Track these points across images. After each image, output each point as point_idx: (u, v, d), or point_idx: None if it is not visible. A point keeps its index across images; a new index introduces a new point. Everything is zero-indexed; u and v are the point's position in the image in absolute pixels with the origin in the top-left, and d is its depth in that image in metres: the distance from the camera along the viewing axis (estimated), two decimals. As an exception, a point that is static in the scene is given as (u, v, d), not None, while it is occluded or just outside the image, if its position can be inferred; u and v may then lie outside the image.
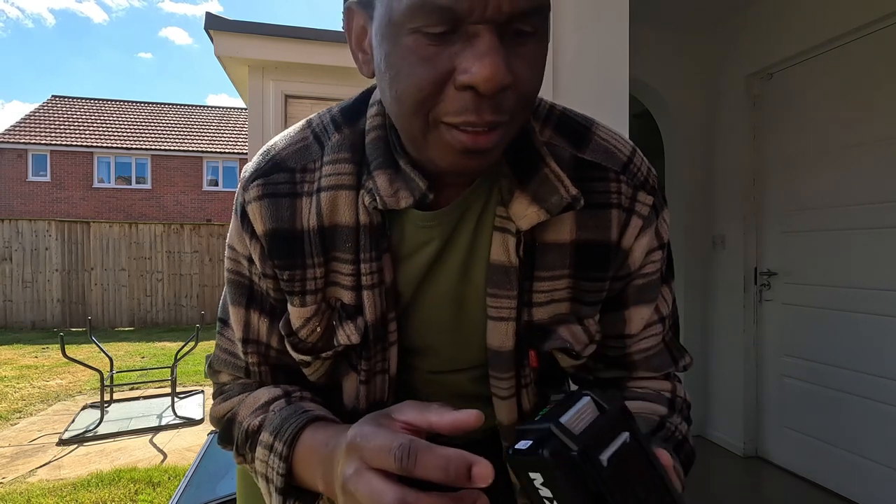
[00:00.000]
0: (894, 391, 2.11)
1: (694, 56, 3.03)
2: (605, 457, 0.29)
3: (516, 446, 0.31)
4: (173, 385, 3.81)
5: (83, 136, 15.30)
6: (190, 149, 15.72)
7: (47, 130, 15.19)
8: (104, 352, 3.76)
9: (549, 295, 0.51)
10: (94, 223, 8.62)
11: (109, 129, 15.90)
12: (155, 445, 3.25)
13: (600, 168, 0.50)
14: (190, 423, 3.65)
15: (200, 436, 3.37)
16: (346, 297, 0.49)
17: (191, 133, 16.70)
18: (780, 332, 2.66)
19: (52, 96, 17.16)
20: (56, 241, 8.33)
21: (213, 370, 0.59)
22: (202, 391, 4.42)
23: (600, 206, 0.50)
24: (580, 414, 0.31)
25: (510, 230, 0.48)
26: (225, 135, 16.94)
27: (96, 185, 15.00)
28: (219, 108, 19.03)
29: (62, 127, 15.57)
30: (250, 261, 0.52)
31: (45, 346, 6.62)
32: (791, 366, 2.59)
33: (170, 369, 3.86)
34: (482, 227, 0.50)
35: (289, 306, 0.51)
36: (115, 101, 17.87)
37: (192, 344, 3.95)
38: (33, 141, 14.59)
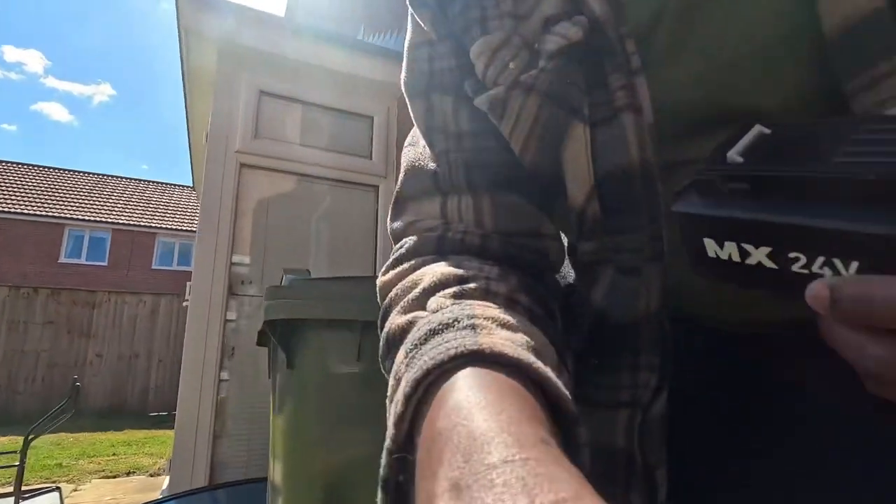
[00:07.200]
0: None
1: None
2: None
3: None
4: (19, 479, 2.75)
5: None
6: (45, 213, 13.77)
7: None
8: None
9: None
10: None
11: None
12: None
13: None
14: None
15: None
16: (548, 5, 0.36)
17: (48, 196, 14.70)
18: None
19: None
20: None
21: (398, 209, 0.45)
22: (58, 489, 3.26)
23: None
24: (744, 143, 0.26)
25: None
26: (95, 202, 15.22)
27: None
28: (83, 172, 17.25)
29: None
30: (430, 44, 0.44)
31: None
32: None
33: (18, 455, 2.81)
34: None
35: (471, 48, 0.41)
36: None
37: (56, 417, 2.96)
38: None
